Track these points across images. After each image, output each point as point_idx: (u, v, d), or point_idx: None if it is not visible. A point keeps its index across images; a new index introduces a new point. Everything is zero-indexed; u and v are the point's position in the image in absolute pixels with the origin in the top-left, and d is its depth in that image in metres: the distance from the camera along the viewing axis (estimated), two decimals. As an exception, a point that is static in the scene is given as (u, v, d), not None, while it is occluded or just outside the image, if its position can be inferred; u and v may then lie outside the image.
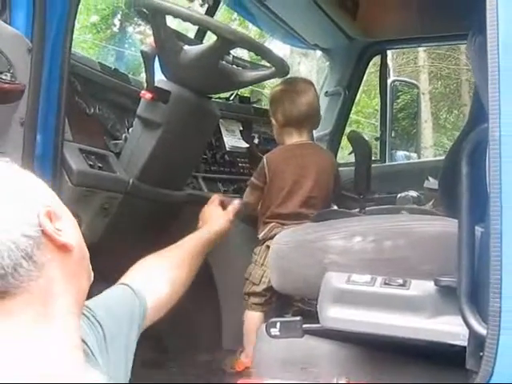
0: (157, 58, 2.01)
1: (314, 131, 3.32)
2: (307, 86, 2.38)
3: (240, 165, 2.73)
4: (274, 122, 2.38)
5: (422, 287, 1.38)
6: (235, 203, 2.08)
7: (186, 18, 1.88)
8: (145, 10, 1.94)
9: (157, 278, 1.51)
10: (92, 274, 1.07)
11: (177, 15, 1.87)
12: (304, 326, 1.51)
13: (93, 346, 1.11)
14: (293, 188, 2.20)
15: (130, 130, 2.13)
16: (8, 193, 0.96)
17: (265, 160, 2.27)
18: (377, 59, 3.82)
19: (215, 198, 2.12)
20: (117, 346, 1.19)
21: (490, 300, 1.11)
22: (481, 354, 1.13)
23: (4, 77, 1.41)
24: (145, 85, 2.05)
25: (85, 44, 13.25)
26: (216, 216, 2.02)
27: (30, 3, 1.62)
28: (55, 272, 0.97)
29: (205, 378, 2.35)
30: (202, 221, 2.03)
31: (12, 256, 0.92)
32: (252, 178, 2.32)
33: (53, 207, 0.98)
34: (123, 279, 1.47)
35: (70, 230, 1.00)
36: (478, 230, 1.26)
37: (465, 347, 1.26)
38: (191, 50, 2.00)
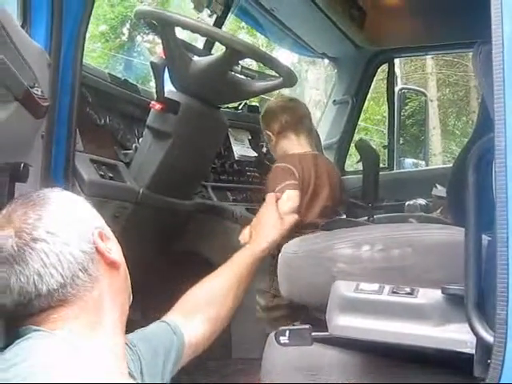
0: (166, 69, 2.04)
1: (322, 139, 3.34)
2: (294, 99, 2.41)
3: (249, 174, 2.75)
4: (269, 134, 2.28)
5: (429, 295, 1.38)
6: (294, 216, 1.92)
7: (194, 30, 1.91)
8: (154, 22, 1.96)
9: (198, 316, 1.56)
10: (131, 296, 1.20)
11: (186, 27, 1.89)
12: (313, 334, 1.52)
13: (133, 372, 1.20)
14: (312, 197, 2.13)
15: (140, 140, 2.16)
16: (68, 215, 1.11)
17: (290, 166, 2.12)
18: (384, 67, 3.84)
19: (272, 198, 1.96)
20: (150, 381, 1.27)
21: (496, 308, 1.11)
22: (488, 361, 1.14)
23: (36, 92, 1.43)
24: (154, 95, 2.07)
25: (94, 53, 13.34)
26: (270, 226, 1.84)
27: (49, 19, 1.65)
28: (105, 286, 1.10)
29: (215, 387, 2.36)
30: (255, 229, 1.87)
31: (71, 268, 1.06)
32: (291, 181, 2.09)
33: (103, 229, 1.15)
34: (167, 315, 1.56)
35: (117, 250, 1.16)
36: (485, 238, 1.27)
37: (472, 355, 1.27)
38: (200, 60, 2.02)
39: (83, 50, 1.79)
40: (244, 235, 1.93)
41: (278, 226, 1.84)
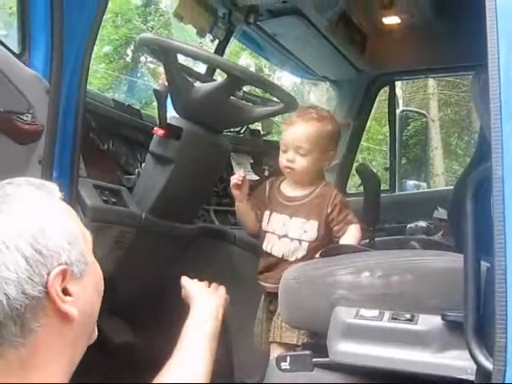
0: (169, 95, 2.07)
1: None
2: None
3: (250, 197, 2.76)
4: (331, 155, 2.02)
5: (429, 322, 1.39)
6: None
7: (196, 57, 1.95)
8: (157, 49, 2.00)
9: None
10: (95, 335, 0.96)
11: (187, 54, 1.93)
12: (314, 359, 1.53)
13: None
14: None
15: (143, 165, 2.18)
16: (27, 236, 0.82)
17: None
18: (386, 89, 3.87)
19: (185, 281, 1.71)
20: None
21: (495, 335, 1.12)
22: (488, 388, 1.14)
23: (25, 118, 1.46)
24: (156, 119, 2.10)
25: (98, 74, 13.44)
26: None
27: (49, 45, 1.68)
28: (46, 340, 0.83)
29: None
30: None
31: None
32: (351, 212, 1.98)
33: (74, 265, 0.85)
34: None
35: (84, 295, 0.87)
36: (484, 265, 1.28)
37: (472, 381, 1.27)
38: (202, 87, 2.05)
39: (87, 76, 1.83)
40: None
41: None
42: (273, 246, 1.99)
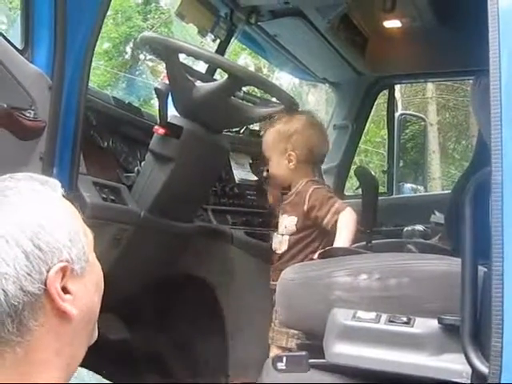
0: (170, 94, 2.07)
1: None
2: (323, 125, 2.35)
3: (249, 197, 2.76)
4: (291, 155, 2.11)
5: (425, 325, 1.40)
6: None
7: (197, 57, 1.95)
8: (158, 48, 2.00)
9: None
10: (96, 334, 0.93)
11: (189, 54, 1.94)
12: (310, 360, 1.53)
13: None
14: None
15: (143, 163, 2.18)
16: (27, 231, 0.80)
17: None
18: (385, 92, 3.87)
19: None
20: None
21: (491, 339, 1.12)
22: (483, 392, 1.15)
23: (27, 114, 1.46)
24: (157, 118, 2.10)
25: (97, 71, 13.42)
26: None
27: (52, 41, 1.68)
28: (44, 339, 0.81)
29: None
30: None
31: None
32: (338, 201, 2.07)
33: (75, 263, 0.83)
34: None
35: (84, 294, 0.85)
36: (481, 269, 1.29)
37: (468, 385, 1.28)
38: (203, 86, 2.06)
39: (89, 73, 1.83)
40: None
41: None
42: (273, 241, 2.20)
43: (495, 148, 1.17)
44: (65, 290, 0.82)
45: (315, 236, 2.10)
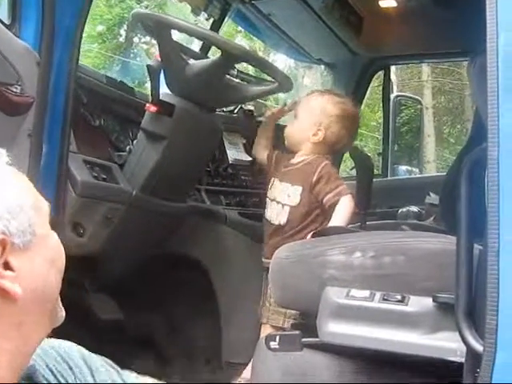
0: (162, 72, 2.04)
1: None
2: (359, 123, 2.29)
3: (242, 178, 2.74)
4: (320, 131, 2.06)
5: (420, 303, 1.39)
6: None
7: (190, 33, 1.92)
8: (151, 25, 1.97)
9: None
10: (61, 315, 0.85)
11: (182, 30, 1.90)
12: (303, 339, 1.52)
13: None
14: None
15: (135, 142, 2.16)
16: None
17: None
18: (380, 74, 3.84)
19: None
20: None
21: (486, 317, 1.11)
22: (477, 370, 1.14)
23: (14, 89, 1.43)
24: (150, 97, 2.08)
25: (91, 53, 13.33)
26: None
27: (40, 16, 1.65)
28: None
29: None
30: None
31: None
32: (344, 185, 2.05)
33: (15, 236, 0.74)
34: None
35: (31, 270, 0.76)
36: (477, 247, 1.27)
37: (462, 363, 1.27)
38: (196, 64, 2.03)
39: (79, 50, 1.80)
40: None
41: None
42: (267, 210, 2.11)
43: (492, 124, 1.15)
44: (6, 266, 0.73)
45: (317, 215, 2.03)
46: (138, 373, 1.08)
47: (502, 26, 1.17)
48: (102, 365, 0.92)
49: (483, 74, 1.17)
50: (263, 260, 2.09)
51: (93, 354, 0.91)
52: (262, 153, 2.25)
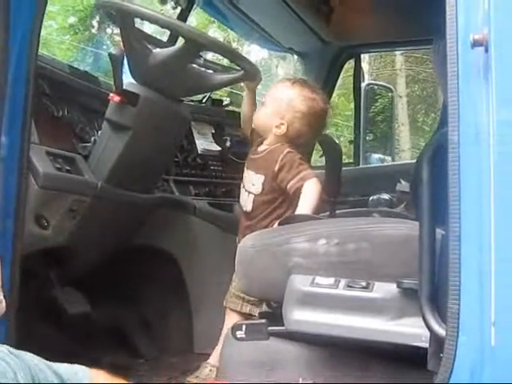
0: (126, 61, 2.01)
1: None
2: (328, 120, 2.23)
3: (212, 168, 2.73)
4: (282, 125, 2.03)
5: (384, 289, 1.38)
6: None
7: (153, 21, 1.89)
8: (113, 12, 1.93)
9: None
10: (2, 306, 0.83)
11: (144, 18, 1.88)
12: (269, 328, 1.51)
13: None
14: None
15: (99, 132, 2.12)
16: None
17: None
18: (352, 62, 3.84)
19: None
20: None
21: (448, 301, 1.12)
22: (441, 354, 1.14)
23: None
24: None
25: (63, 45, 13.16)
26: None
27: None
28: None
29: (176, 381, 2.34)
30: None
31: None
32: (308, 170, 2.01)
33: None
34: None
35: None
36: (439, 232, 1.27)
37: (426, 349, 1.27)
38: (160, 52, 2.00)
39: (39, 37, 1.75)
40: None
41: None
42: (240, 196, 2.12)
43: (452, 108, 1.15)
44: None
45: (281, 202, 2.02)
46: (110, 366, 1.04)
47: (462, 9, 1.17)
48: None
49: (445, 58, 1.17)
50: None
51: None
52: (247, 130, 2.22)
